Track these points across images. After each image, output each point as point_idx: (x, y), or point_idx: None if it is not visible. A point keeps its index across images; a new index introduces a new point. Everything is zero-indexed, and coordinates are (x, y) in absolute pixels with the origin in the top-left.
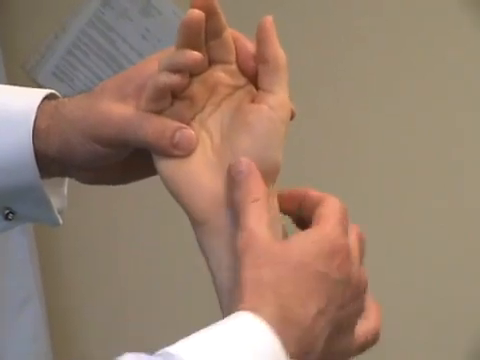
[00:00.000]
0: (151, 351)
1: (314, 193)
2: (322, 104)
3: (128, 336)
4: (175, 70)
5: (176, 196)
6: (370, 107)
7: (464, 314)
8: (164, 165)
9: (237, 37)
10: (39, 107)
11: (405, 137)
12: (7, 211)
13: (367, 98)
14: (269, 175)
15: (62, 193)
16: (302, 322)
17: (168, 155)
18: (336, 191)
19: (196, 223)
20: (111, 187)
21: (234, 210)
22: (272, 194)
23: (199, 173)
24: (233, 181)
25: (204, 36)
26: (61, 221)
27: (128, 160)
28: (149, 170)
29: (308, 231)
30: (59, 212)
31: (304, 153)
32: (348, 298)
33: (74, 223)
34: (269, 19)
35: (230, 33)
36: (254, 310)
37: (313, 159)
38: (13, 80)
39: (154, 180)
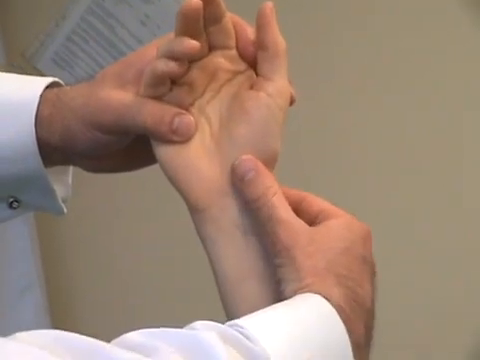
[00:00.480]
0: None
1: (288, 191)
2: (320, 100)
3: (130, 324)
4: (173, 58)
5: (174, 182)
6: (368, 106)
7: (464, 314)
8: (163, 151)
9: (237, 22)
10: (42, 95)
11: (403, 136)
12: (12, 200)
13: (365, 97)
14: (268, 162)
15: (66, 181)
16: (365, 303)
17: (167, 141)
18: (334, 186)
19: (194, 210)
20: (112, 174)
21: (252, 207)
22: None
23: (197, 159)
24: (241, 180)
25: (203, 22)
26: (65, 210)
27: (130, 148)
28: (152, 158)
29: (331, 221)
30: (63, 201)
31: (300, 147)
32: (374, 279)
33: (75, 211)
34: (269, 5)
35: (230, 18)
36: (322, 293)
37: (309, 154)
38: (13, 68)
39: (155, 168)
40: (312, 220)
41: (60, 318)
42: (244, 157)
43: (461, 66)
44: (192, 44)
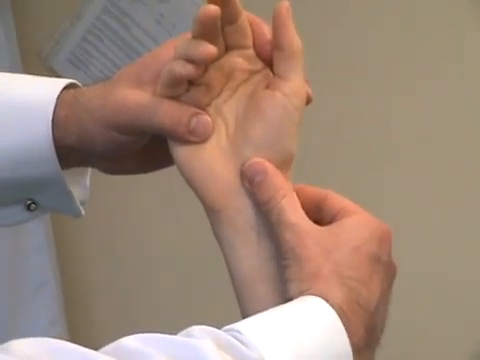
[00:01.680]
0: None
1: (310, 189)
2: (327, 99)
3: (146, 319)
4: (190, 60)
5: (190, 182)
6: (375, 103)
7: (466, 315)
8: (179, 151)
9: (253, 21)
10: (58, 97)
11: (409, 134)
12: (29, 202)
13: (371, 94)
14: (284, 163)
15: (84, 184)
16: (369, 305)
17: (184, 141)
18: (337, 183)
19: (210, 211)
20: None
21: (262, 209)
22: (288, 180)
23: (213, 160)
24: (251, 183)
25: (220, 22)
26: (83, 212)
27: (148, 149)
28: (169, 159)
29: (346, 220)
30: (81, 203)
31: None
32: (392, 281)
33: (89, 208)
34: (285, 5)
35: (246, 17)
36: (323, 295)
37: (312, 154)
38: (29, 67)
39: (169, 168)
40: (333, 218)
41: (75, 313)
42: (254, 160)
43: (466, 62)
44: (209, 49)
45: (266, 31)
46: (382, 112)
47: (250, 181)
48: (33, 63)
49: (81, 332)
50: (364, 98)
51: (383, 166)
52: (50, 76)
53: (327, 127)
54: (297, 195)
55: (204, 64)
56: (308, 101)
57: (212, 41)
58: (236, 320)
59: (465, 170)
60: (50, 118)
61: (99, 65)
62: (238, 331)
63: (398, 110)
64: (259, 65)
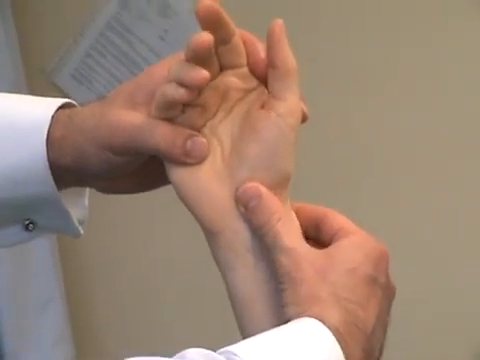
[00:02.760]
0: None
1: (309, 207)
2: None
3: (151, 336)
4: (183, 84)
5: (186, 203)
6: (371, 120)
7: (468, 316)
8: (175, 173)
9: (247, 39)
10: (53, 117)
11: (406, 150)
12: (27, 222)
13: (368, 111)
14: (280, 184)
15: (82, 203)
16: (366, 327)
17: (180, 163)
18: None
19: (208, 232)
20: None
21: (257, 233)
22: (285, 200)
23: (209, 181)
24: (246, 207)
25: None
26: (82, 232)
27: (144, 168)
28: (166, 178)
29: (343, 241)
30: (80, 223)
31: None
32: (391, 302)
33: (95, 225)
34: (279, 23)
35: (240, 35)
36: (319, 317)
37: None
38: (33, 84)
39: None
40: (332, 238)
41: (81, 329)
42: (248, 184)
43: (469, 64)
44: (202, 74)
45: (260, 49)
46: (378, 129)
47: (245, 206)
48: (37, 79)
49: (87, 348)
50: (361, 115)
51: (380, 182)
52: (54, 92)
53: (323, 143)
54: (296, 214)
55: (197, 89)
56: (304, 119)
57: (205, 64)
58: (237, 340)
59: (464, 179)
60: (45, 139)
61: (103, 81)
62: (233, 353)
63: (394, 127)
64: (254, 83)
